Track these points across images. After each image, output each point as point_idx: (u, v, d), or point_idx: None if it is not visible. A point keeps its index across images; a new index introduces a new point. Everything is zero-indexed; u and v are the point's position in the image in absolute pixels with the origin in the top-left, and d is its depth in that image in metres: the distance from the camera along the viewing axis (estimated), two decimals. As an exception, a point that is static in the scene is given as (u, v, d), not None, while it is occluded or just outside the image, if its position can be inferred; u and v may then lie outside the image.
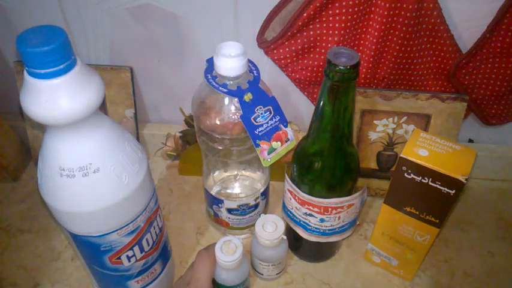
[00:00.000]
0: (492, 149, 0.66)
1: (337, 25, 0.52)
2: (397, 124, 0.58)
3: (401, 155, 0.43)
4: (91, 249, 0.41)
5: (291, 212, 0.51)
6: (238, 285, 0.47)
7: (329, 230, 0.50)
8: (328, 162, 0.46)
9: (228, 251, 0.45)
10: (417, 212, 0.46)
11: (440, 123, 0.57)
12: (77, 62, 0.32)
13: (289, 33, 0.53)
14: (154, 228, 0.44)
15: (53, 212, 0.39)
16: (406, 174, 0.44)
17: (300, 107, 0.65)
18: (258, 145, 0.46)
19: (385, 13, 0.50)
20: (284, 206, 0.53)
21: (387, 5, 0.49)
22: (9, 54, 0.65)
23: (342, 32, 0.52)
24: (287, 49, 0.55)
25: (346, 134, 0.43)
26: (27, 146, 0.69)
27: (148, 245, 0.44)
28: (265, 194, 0.56)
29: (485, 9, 0.52)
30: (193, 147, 0.66)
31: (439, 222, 0.45)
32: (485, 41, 0.52)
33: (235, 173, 0.58)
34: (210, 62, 0.45)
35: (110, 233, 0.39)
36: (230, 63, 0.42)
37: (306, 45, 0.55)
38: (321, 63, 0.56)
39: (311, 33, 0.53)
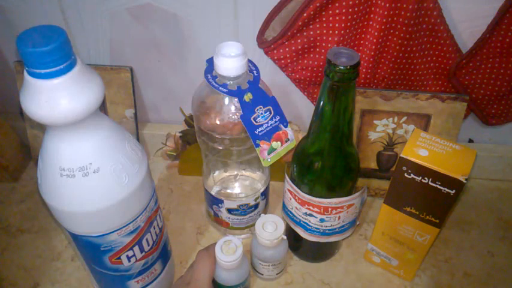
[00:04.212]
0: (492, 149, 0.66)
1: (337, 25, 0.52)
2: (397, 124, 0.58)
3: (401, 155, 0.43)
4: (91, 249, 0.41)
5: (291, 212, 0.51)
6: (238, 285, 0.47)
7: (329, 230, 0.50)
8: (328, 162, 0.46)
9: (228, 251, 0.45)
10: (417, 212, 0.46)
11: (440, 123, 0.57)
12: (77, 62, 0.32)
13: (289, 33, 0.53)
14: (154, 228, 0.44)
15: (53, 212, 0.39)
16: (406, 174, 0.44)
17: (300, 107, 0.65)
18: (258, 145, 0.46)
19: (385, 13, 0.50)
20: (284, 206, 0.53)
21: (387, 5, 0.49)
22: (9, 54, 0.65)
23: (342, 32, 0.52)
24: (287, 49, 0.55)
25: (346, 134, 0.43)
26: (27, 146, 0.69)
27: (148, 245, 0.44)
28: (265, 194, 0.56)
29: (485, 9, 0.52)
30: (193, 147, 0.66)
31: (439, 222, 0.45)
32: (485, 41, 0.52)
33: (235, 173, 0.58)
34: (210, 62, 0.45)
35: (110, 233, 0.39)
36: (230, 63, 0.42)
37: (306, 45, 0.55)
38: (321, 63, 0.56)
39: (311, 33, 0.53)
